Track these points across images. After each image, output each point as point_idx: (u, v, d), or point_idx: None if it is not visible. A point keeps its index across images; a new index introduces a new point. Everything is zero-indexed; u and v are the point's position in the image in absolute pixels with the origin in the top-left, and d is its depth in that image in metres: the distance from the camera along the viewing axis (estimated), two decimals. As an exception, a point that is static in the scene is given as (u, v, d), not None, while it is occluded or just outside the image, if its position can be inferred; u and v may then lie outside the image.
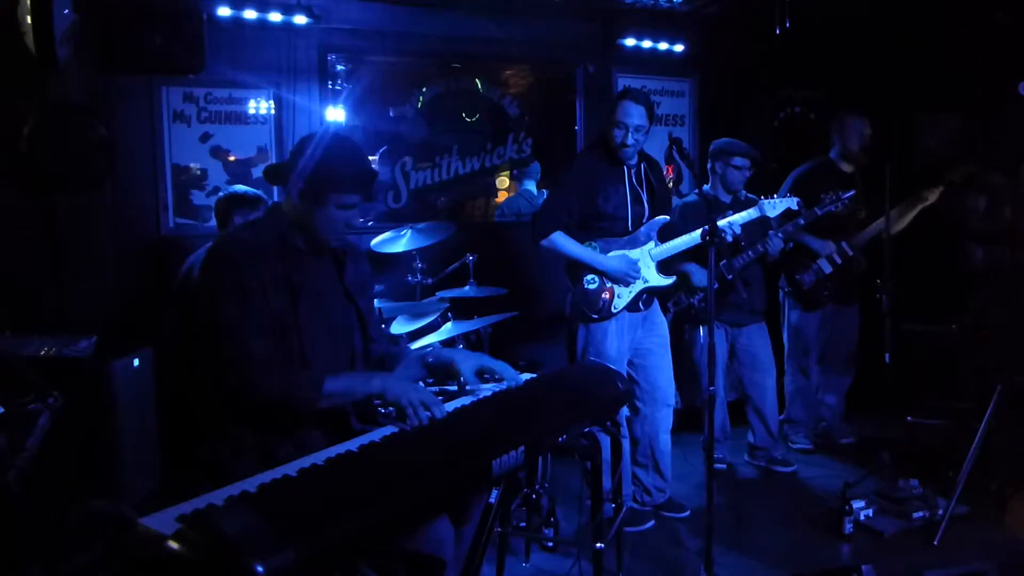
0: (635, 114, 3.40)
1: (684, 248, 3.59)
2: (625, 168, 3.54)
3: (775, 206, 3.73)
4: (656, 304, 3.75)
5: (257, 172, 4.50)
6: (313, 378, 2.06)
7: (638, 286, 3.55)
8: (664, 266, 3.63)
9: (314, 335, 2.15)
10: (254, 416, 2.06)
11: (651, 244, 3.58)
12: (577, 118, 5.36)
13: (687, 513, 3.80)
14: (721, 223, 3.53)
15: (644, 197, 3.59)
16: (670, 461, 3.79)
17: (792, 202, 3.78)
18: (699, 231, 3.20)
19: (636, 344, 3.65)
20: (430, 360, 2.45)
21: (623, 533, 3.17)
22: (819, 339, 4.55)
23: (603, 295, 3.53)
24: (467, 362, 2.40)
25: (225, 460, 2.06)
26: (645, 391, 3.68)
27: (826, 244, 4.35)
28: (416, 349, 2.55)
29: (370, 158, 4.89)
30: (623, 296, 3.54)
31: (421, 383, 2.38)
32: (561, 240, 3.48)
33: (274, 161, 4.51)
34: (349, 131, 4.77)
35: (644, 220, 3.59)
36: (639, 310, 3.61)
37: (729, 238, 3.61)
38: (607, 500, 3.00)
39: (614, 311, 3.53)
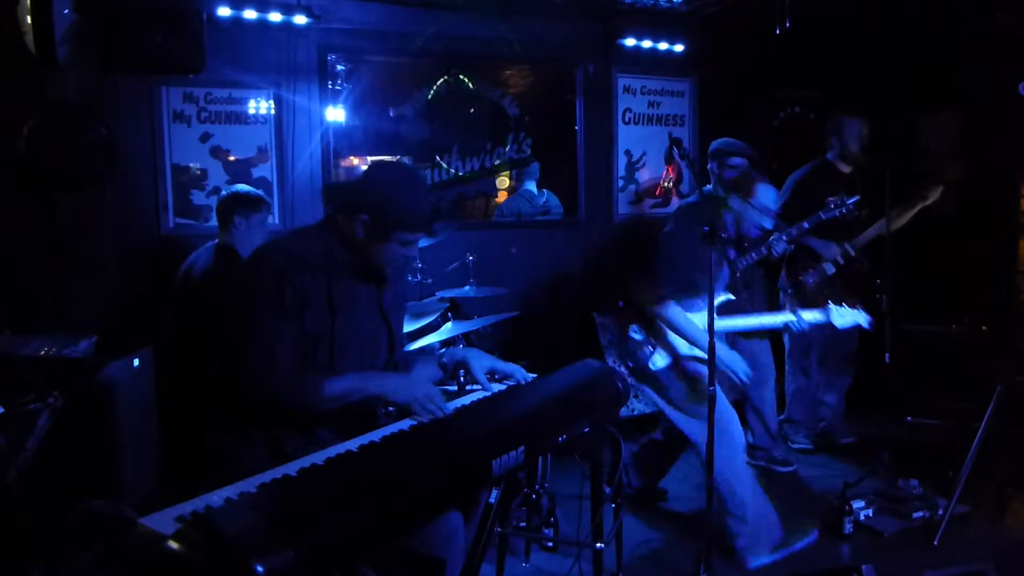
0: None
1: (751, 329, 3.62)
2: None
3: (843, 315, 3.45)
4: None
5: (257, 172, 4.50)
6: (315, 382, 2.08)
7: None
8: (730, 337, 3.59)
9: (344, 350, 2.18)
10: (264, 413, 2.08)
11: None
12: (577, 118, 5.35)
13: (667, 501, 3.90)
14: (791, 321, 3.43)
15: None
16: None
17: (862, 318, 3.48)
18: (775, 318, 3.48)
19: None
20: (444, 360, 2.49)
21: (623, 533, 3.17)
22: (819, 339, 4.55)
23: (645, 348, 3.41)
24: (479, 361, 2.46)
25: (232, 453, 2.08)
26: None
27: (829, 247, 4.34)
28: (430, 352, 2.58)
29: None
30: (663, 356, 3.41)
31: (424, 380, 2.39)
32: (675, 314, 3.30)
33: (274, 161, 4.51)
34: (349, 131, 4.77)
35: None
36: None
37: (796, 329, 3.45)
38: (607, 500, 3.00)
39: (651, 367, 3.40)
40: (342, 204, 2.22)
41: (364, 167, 4.90)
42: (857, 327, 3.51)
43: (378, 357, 2.35)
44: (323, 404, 2.08)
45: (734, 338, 4.27)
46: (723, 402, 3.35)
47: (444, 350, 2.59)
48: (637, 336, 3.44)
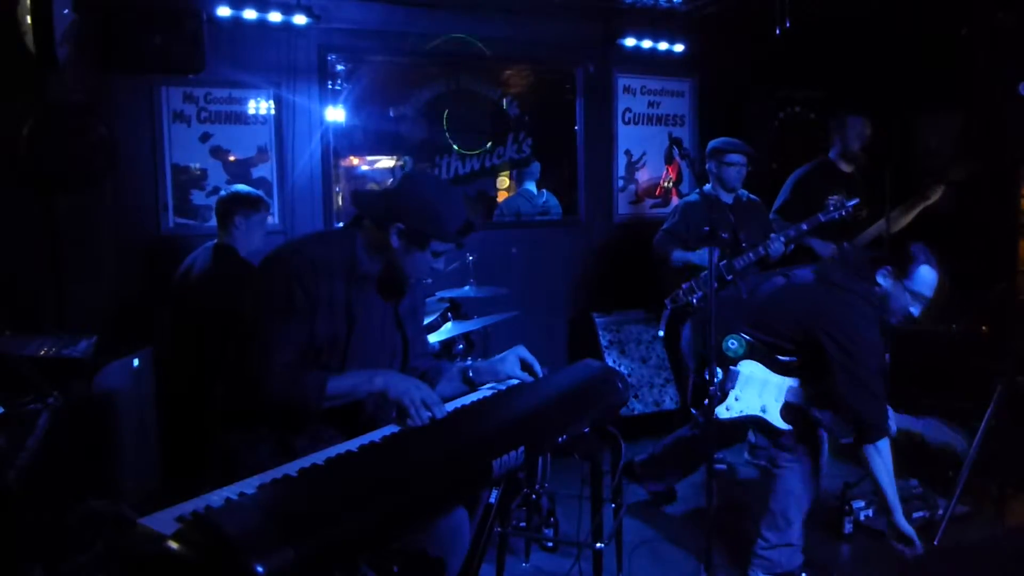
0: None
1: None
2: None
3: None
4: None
5: (257, 172, 4.50)
6: (317, 379, 2.08)
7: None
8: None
9: (358, 358, 2.19)
10: (269, 411, 2.09)
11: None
12: (577, 118, 5.35)
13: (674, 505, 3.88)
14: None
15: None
16: None
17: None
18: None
19: None
20: (471, 374, 2.47)
21: (623, 533, 3.17)
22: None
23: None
24: (507, 360, 2.44)
25: (238, 449, 2.09)
26: None
27: (828, 247, 4.34)
28: (456, 364, 2.57)
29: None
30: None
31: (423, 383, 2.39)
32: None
33: (274, 161, 4.51)
34: (349, 131, 4.77)
35: None
36: None
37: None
38: (607, 500, 3.00)
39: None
40: (377, 212, 2.22)
41: (364, 167, 4.90)
42: None
43: (393, 366, 2.36)
44: (325, 402, 2.08)
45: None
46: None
47: (469, 364, 2.54)
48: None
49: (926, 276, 2.88)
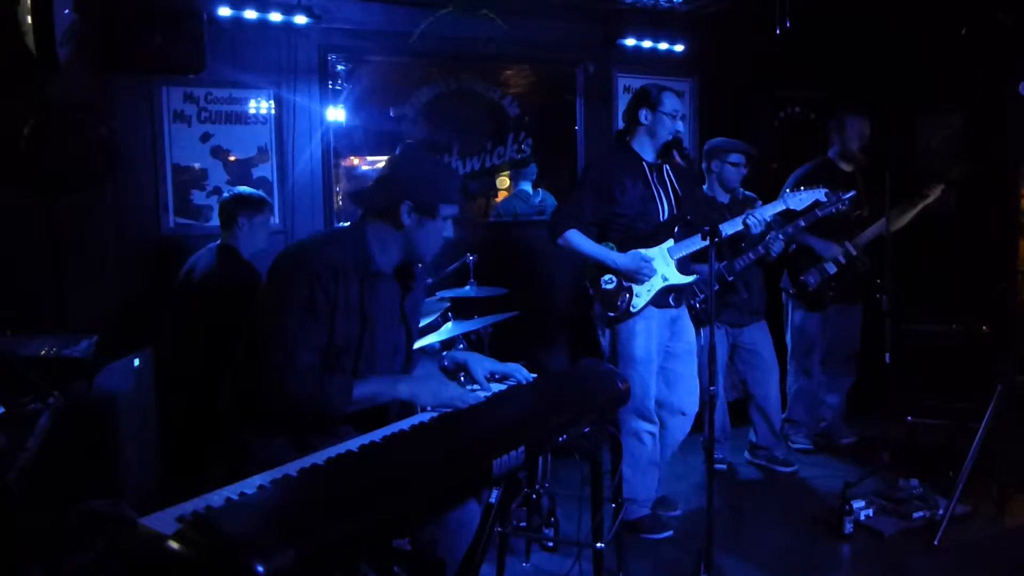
0: (680, 104, 3.56)
1: (701, 246, 3.56)
2: (645, 166, 3.54)
3: (801, 199, 3.66)
4: (685, 308, 3.71)
5: (257, 172, 4.50)
6: (344, 384, 2.11)
7: (656, 284, 3.51)
8: (683, 264, 3.59)
9: (370, 358, 2.23)
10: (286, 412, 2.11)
11: (669, 242, 3.55)
12: (577, 118, 5.35)
13: (679, 511, 3.84)
14: (751, 220, 3.53)
15: (661, 195, 3.56)
16: (663, 473, 3.78)
17: (819, 193, 3.67)
18: (733, 225, 3.46)
19: (665, 346, 3.63)
20: (446, 363, 2.52)
21: (623, 533, 3.17)
22: (822, 339, 4.55)
23: (623, 294, 3.52)
24: (480, 365, 2.49)
25: (252, 445, 2.11)
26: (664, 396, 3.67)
27: (830, 246, 4.34)
28: (432, 354, 2.62)
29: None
30: (641, 295, 3.51)
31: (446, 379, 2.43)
32: (575, 237, 3.51)
33: (274, 161, 4.51)
34: (349, 131, 4.77)
35: (662, 218, 3.56)
36: (669, 306, 3.58)
37: (756, 231, 3.56)
38: (607, 500, 3.00)
39: (633, 310, 3.51)
40: (380, 201, 2.24)
41: (364, 167, 4.90)
42: (815, 200, 3.66)
43: (397, 362, 2.38)
44: (350, 407, 2.11)
45: (735, 335, 4.28)
46: (644, 360, 3.54)
47: (445, 353, 2.61)
48: (610, 286, 3.53)
49: (670, 99, 3.50)
